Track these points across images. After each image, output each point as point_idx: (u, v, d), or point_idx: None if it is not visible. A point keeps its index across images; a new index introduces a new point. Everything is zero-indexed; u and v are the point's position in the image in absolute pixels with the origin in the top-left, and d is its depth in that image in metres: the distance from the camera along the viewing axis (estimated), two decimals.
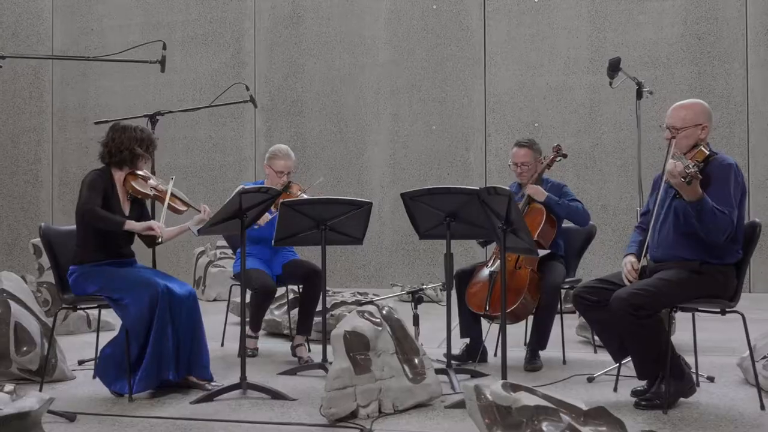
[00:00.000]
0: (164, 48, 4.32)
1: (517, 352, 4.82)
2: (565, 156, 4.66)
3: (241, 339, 3.87)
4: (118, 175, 3.95)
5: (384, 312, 3.63)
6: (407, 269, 8.78)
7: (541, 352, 4.44)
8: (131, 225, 3.83)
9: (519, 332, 5.03)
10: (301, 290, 4.79)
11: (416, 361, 3.55)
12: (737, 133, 8.04)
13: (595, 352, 4.80)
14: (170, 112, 4.77)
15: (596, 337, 4.87)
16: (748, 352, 4.01)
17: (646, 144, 8.16)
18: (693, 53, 8.18)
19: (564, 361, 4.50)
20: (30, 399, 2.57)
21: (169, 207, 4.00)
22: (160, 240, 3.91)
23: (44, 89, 9.77)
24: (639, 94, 4.46)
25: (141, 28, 9.48)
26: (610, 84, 4.60)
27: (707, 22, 8.13)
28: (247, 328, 4.87)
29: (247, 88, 5.01)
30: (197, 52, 9.35)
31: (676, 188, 3.25)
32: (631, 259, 3.61)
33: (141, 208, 4.08)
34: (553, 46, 8.50)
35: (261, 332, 5.02)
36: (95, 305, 3.93)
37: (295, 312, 5.36)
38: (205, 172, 9.30)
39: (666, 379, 3.37)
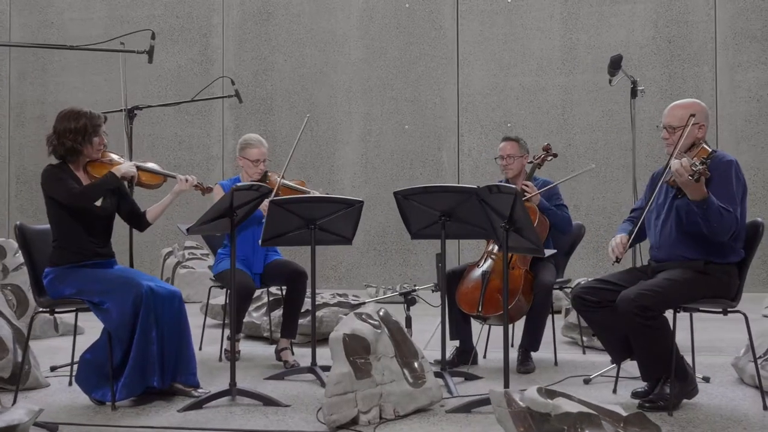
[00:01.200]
0: (153, 38, 4.13)
1: (511, 353, 4.75)
2: (555, 155, 4.60)
3: (231, 342, 3.71)
4: (77, 170, 3.71)
5: (381, 314, 3.52)
6: (379, 270, 8.67)
7: (532, 354, 4.38)
8: (120, 170, 3.68)
9: (513, 332, 4.96)
10: (285, 292, 4.63)
11: (416, 364, 3.44)
12: (707, 135, 8.11)
13: (584, 353, 4.76)
14: (149, 106, 4.55)
15: (584, 338, 4.84)
16: (742, 352, 4.02)
17: (618, 144, 8.23)
18: (663, 56, 8.25)
19: (555, 363, 4.44)
20: (18, 411, 2.38)
21: (140, 184, 3.81)
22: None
23: (1, 84, 9.39)
24: (633, 93, 4.42)
25: (104, 22, 9.19)
26: (610, 82, 4.56)
27: (677, 26, 8.20)
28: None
29: (233, 83, 4.84)
30: (163, 47, 9.07)
31: (681, 187, 3.20)
32: (621, 234, 3.60)
33: (117, 195, 3.82)
34: (526, 47, 8.49)
35: (239, 335, 4.84)
36: (73, 309, 3.72)
37: (275, 314, 5.22)
38: (170, 170, 8.99)
39: (671, 380, 3.32)
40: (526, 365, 4.29)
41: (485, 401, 3.42)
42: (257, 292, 5.04)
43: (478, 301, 4.23)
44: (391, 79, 8.72)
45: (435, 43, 8.64)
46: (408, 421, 3.27)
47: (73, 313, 3.88)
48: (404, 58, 8.70)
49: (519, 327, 4.57)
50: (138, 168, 3.79)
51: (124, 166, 3.71)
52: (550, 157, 4.56)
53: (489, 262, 4.36)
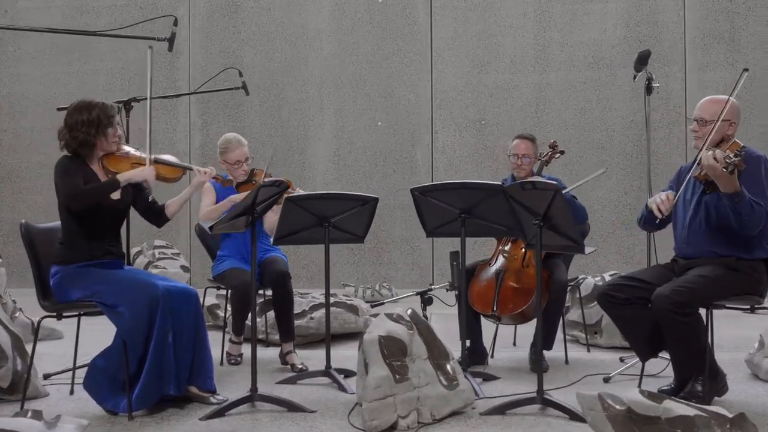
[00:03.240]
0: (175, 24, 3.92)
1: (514, 353, 4.72)
2: (562, 152, 4.57)
3: (252, 345, 3.52)
4: (91, 163, 3.53)
5: (410, 314, 3.41)
6: (352, 269, 8.54)
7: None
8: (126, 176, 3.46)
9: (511, 332, 4.93)
10: (271, 296, 4.44)
11: (448, 366, 3.35)
12: (676, 134, 8.27)
13: (588, 350, 4.75)
14: (145, 99, 4.31)
15: (588, 336, 4.83)
16: (756, 348, 4.06)
17: (591, 142, 8.30)
18: (634, 55, 8.29)
19: (567, 361, 4.41)
20: (67, 426, 2.18)
21: (157, 177, 3.61)
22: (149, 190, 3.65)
23: None
24: (649, 90, 4.41)
25: (62, 11, 8.78)
26: (634, 78, 4.55)
27: (648, 26, 8.32)
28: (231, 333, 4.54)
29: (240, 74, 4.65)
30: (125, 39, 8.71)
31: (714, 179, 3.17)
32: (669, 191, 3.51)
33: (134, 188, 3.64)
34: (500, 44, 8.48)
35: (240, 338, 4.64)
36: (78, 313, 3.49)
37: (270, 315, 5.06)
38: None
39: (704, 377, 3.32)
40: (539, 364, 4.23)
41: (518, 403, 3.37)
42: None
43: (493, 301, 4.17)
44: (364, 75, 8.59)
45: (409, 39, 8.55)
46: (446, 425, 3.18)
47: (61, 318, 3.59)
48: (377, 53, 8.58)
49: (528, 325, 4.50)
50: (156, 161, 3.60)
51: (135, 172, 3.49)
52: (557, 155, 4.53)
53: (501, 260, 4.30)
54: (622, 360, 4.40)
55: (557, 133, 8.37)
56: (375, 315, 3.43)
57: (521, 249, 4.26)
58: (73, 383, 3.73)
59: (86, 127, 3.41)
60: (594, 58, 8.35)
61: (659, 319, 3.31)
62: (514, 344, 4.90)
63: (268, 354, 4.64)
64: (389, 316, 3.33)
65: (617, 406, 2.08)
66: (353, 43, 8.61)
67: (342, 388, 3.77)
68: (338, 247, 8.44)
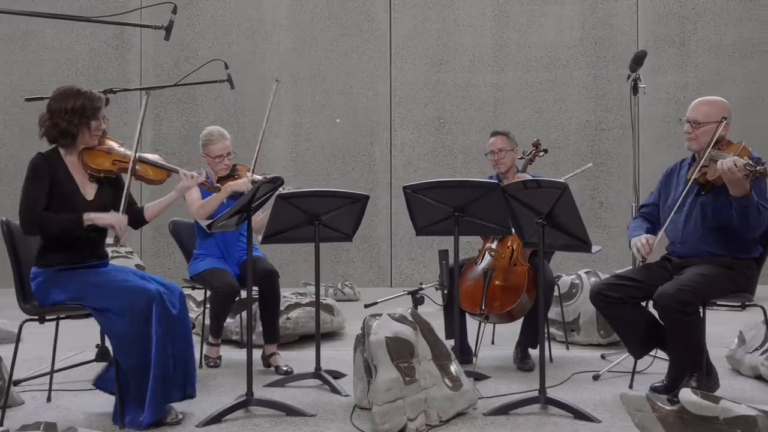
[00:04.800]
0: (174, 12, 3.73)
1: (494, 351, 4.70)
2: (545, 151, 4.58)
3: (248, 347, 3.38)
4: (70, 155, 3.29)
5: (411, 313, 3.35)
6: (310, 267, 8.38)
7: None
8: (91, 217, 3.19)
9: (490, 331, 4.91)
10: (258, 294, 4.31)
11: (451, 367, 3.30)
12: (629, 135, 8.44)
13: (568, 348, 4.78)
14: (125, 90, 4.12)
15: (566, 334, 4.86)
16: (735, 344, 4.16)
17: (547, 142, 8.36)
18: (590, 57, 8.49)
19: (551, 359, 4.42)
20: None
21: (139, 178, 3.41)
22: (118, 241, 3.36)
23: None
24: (635, 90, 4.45)
25: None
26: (628, 77, 4.56)
27: (603, 28, 8.47)
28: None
29: (226, 66, 4.49)
30: (73, 28, 8.38)
31: (727, 183, 3.22)
32: (648, 235, 3.55)
33: (113, 188, 3.42)
34: (459, 43, 8.49)
35: (218, 339, 4.49)
36: (57, 316, 3.28)
37: (244, 316, 4.92)
38: None
39: (701, 374, 3.37)
40: (526, 362, 4.25)
41: (521, 403, 3.35)
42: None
43: (481, 299, 4.14)
44: (322, 71, 8.47)
45: (368, 36, 8.48)
46: (453, 427, 3.14)
47: (44, 321, 3.38)
48: (336, 49, 8.48)
49: (509, 324, 4.50)
50: (140, 160, 3.38)
51: (104, 217, 3.24)
52: (541, 153, 4.53)
53: (488, 259, 4.28)
54: (603, 357, 4.45)
55: (514, 133, 8.38)
56: (376, 315, 3.33)
57: (508, 247, 4.26)
58: (50, 389, 3.53)
59: (69, 116, 3.19)
60: (551, 59, 8.46)
61: (661, 317, 3.34)
62: (493, 342, 4.90)
63: (241, 356, 4.50)
64: (392, 316, 3.25)
65: (667, 407, 2.08)
66: (311, 39, 8.48)
67: (335, 391, 3.68)
68: (296, 246, 8.31)
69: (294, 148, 8.45)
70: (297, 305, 4.97)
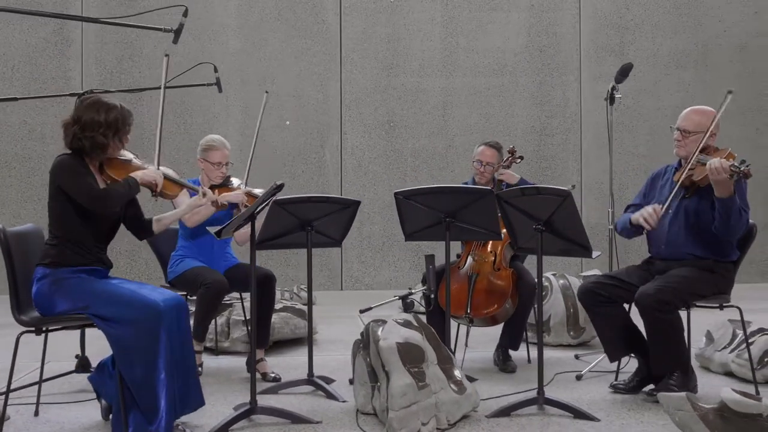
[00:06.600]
0: (185, 15, 3.62)
1: (470, 354, 4.78)
2: (521, 158, 4.68)
3: (251, 354, 3.35)
4: (92, 163, 3.24)
5: (414, 318, 3.38)
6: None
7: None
8: (138, 175, 3.24)
9: (463, 333, 4.98)
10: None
11: (455, 371, 3.35)
12: (572, 140, 8.72)
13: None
14: (108, 91, 3.98)
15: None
16: (703, 343, 4.37)
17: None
18: (535, 64, 8.72)
19: (529, 360, 4.53)
20: None
21: (159, 194, 3.39)
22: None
23: None
24: (612, 99, 4.60)
25: None
26: (613, 88, 4.69)
27: (547, 36, 8.72)
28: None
29: (215, 69, 4.39)
30: (9, 23, 8.02)
31: (713, 184, 3.36)
32: (654, 204, 3.62)
33: (133, 200, 3.39)
34: (408, 48, 8.57)
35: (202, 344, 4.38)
36: (59, 327, 3.16)
37: (221, 321, 4.85)
38: (18, 162, 8.00)
39: (687, 373, 3.53)
40: (508, 364, 4.34)
41: (521, 404, 3.43)
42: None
43: (466, 303, 4.21)
44: (272, 73, 8.39)
45: (318, 38, 8.45)
46: (462, 430, 3.19)
47: (40, 333, 3.26)
48: (286, 51, 8.41)
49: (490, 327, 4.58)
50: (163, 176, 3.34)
51: (147, 173, 3.24)
52: (518, 159, 4.64)
53: (472, 263, 4.35)
54: (577, 357, 4.60)
55: (462, 138, 8.59)
56: (378, 321, 3.35)
57: (490, 251, 4.34)
58: (38, 403, 3.38)
59: (104, 129, 3.15)
60: (498, 64, 8.64)
61: (642, 316, 3.48)
62: (466, 345, 4.97)
63: (225, 363, 4.44)
64: (398, 321, 3.28)
65: (705, 406, 2.18)
66: (260, 40, 8.39)
67: (331, 396, 3.67)
68: (245, 249, 8.20)
69: (243, 150, 8.33)
70: (276, 310, 4.91)
